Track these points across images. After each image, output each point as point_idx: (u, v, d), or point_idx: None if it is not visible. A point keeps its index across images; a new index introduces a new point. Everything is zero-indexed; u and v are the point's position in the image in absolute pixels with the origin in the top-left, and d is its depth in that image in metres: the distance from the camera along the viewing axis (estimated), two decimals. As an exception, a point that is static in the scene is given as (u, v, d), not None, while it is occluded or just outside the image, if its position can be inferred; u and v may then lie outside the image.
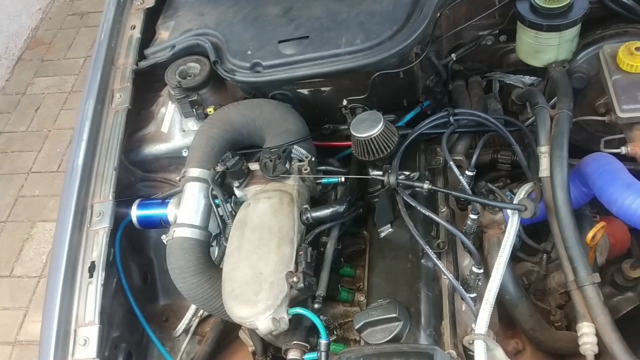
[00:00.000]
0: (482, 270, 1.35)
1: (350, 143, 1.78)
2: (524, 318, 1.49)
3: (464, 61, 1.93)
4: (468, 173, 1.53)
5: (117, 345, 1.67)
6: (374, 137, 1.48)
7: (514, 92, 1.83)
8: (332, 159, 1.76)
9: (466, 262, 1.47)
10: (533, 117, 1.65)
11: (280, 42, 1.73)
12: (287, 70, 1.69)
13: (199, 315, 1.81)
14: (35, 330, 3.03)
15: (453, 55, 1.85)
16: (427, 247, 1.32)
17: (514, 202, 1.45)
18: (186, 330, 1.80)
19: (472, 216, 1.45)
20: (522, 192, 1.48)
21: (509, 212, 1.50)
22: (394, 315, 1.23)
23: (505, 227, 1.51)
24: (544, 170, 1.45)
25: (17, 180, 3.75)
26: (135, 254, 1.87)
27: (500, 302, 1.47)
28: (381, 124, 1.48)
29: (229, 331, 1.83)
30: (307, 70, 1.67)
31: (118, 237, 1.70)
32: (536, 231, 1.67)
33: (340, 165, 1.73)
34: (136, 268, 1.86)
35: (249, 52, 1.74)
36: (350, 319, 1.56)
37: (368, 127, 1.49)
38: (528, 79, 1.92)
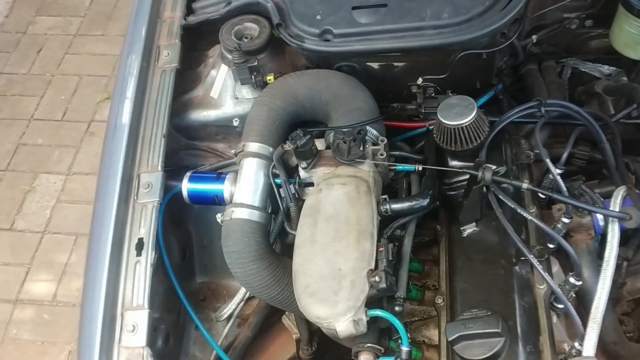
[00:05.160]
0: (580, 282, 1.24)
1: (420, 125, 1.66)
2: (608, 331, 1.39)
3: (540, 43, 1.79)
4: (556, 171, 1.41)
5: (156, 327, 1.54)
6: (466, 126, 1.35)
7: (599, 84, 1.71)
8: (402, 143, 1.62)
9: (554, 269, 1.36)
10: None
11: (354, 8, 1.56)
12: (363, 42, 1.53)
13: (245, 299, 1.68)
14: (38, 290, 2.90)
15: (534, 37, 1.72)
16: (531, 255, 1.21)
17: (611, 209, 1.34)
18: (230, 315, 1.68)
19: (565, 220, 1.34)
20: (618, 197, 1.36)
21: (600, 217, 1.40)
22: (497, 330, 1.13)
23: (594, 231, 1.42)
24: (649, 176, 1.33)
25: (18, 127, 3.52)
26: (175, 227, 1.72)
27: (584, 311, 1.37)
28: (474, 111, 1.34)
29: (270, 314, 1.73)
30: (385, 43, 1.51)
31: (162, 210, 1.55)
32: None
33: (412, 151, 1.59)
34: (176, 243, 1.72)
35: (318, 17, 1.57)
36: (417, 318, 1.46)
37: (459, 115, 1.35)
38: (607, 69, 1.79)
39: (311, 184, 1.45)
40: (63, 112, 3.57)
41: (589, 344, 1.14)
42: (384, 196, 1.38)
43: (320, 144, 1.49)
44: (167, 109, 1.59)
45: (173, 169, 1.63)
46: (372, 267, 1.24)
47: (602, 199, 1.40)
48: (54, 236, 3.09)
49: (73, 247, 3.05)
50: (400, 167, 1.46)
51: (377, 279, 1.21)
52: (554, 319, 1.28)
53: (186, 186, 1.53)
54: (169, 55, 1.68)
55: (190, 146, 1.75)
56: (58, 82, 3.72)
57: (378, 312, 1.22)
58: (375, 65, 1.62)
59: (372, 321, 1.26)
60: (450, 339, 1.17)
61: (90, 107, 3.59)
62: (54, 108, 3.59)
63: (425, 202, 1.37)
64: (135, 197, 1.48)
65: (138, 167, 1.52)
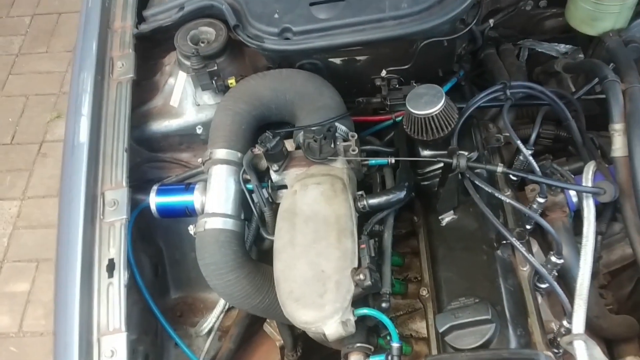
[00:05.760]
0: (562, 261, 1.25)
1: (386, 117, 1.65)
2: (590, 306, 1.39)
3: (496, 27, 1.80)
4: (527, 152, 1.41)
5: (135, 349, 1.48)
6: (436, 115, 1.34)
7: (558, 63, 1.73)
8: (371, 137, 1.61)
9: (534, 250, 1.36)
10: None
11: (311, 4, 1.54)
12: (324, 37, 1.50)
13: (224, 310, 1.64)
14: (2, 322, 2.77)
15: (491, 21, 1.72)
16: (513, 238, 1.20)
17: (583, 184, 1.35)
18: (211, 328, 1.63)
19: (540, 200, 1.34)
20: (589, 173, 1.37)
21: (572, 193, 1.41)
22: (487, 317, 1.12)
23: (568, 209, 1.43)
24: (617, 150, 1.34)
25: (-36, 154, 3.37)
26: (145, 244, 1.66)
27: (566, 288, 1.38)
28: (443, 99, 1.34)
29: (251, 324, 1.69)
30: (346, 37, 1.49)
31: (130, 227, 1.49)
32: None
33: (381, 144, 1.57)
34: (147, 260, 1.66)
35: (276, 16, 1.54)
36: (402, 312, 1.44)
37: (428, 104, 1.34)
38: (563, 48, 1.82)
39: (284, 187, 1.42)
40: (12, 135, 3.42)
41: (578, 321, 1.14)
42: (359, 192, 1.35)
43: (289, 145, 1.46)
44: (126, 122, 1.53)
45: (138, 183, 1.57)
46: (356, 265, 1.22)
47: (573, 176, 1.42)
48: (14, 264, 2.97)
49: (35, 274, 2.93)
50: (373, 161, 1.45)
51: (361, 277, 1.19)
52: (539, 299, 1.28)
53: (154, 200, 1.47)
54: (123, 66, 1.62)
55: (153, 158, 1.69)
56: (4, 104, 3.57)
57: (365, 311, 1.20)
58: (337, 60, 1.59)
59: (360, 320, 1.23)
60: (441, 331, 1.15)
61: (40, 127, 3.46)
62: (2, 131, 3.44)
63: (402, 194, 1.35)
64: (102, 217, 1.42)
65: (101, 185, 1.46)
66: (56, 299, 1.36)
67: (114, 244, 1.38)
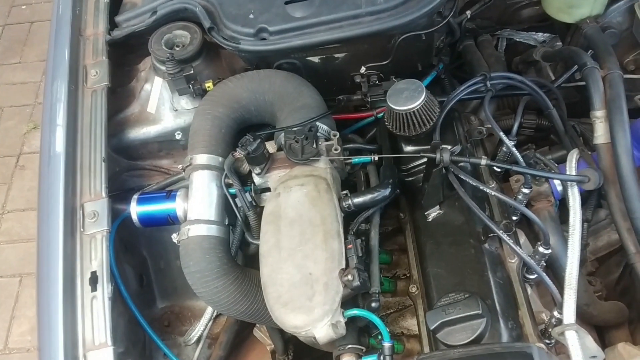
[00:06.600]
0: (550, 251, 1.24)
1: (368, 114, 1.63)
2: (579, 294, 1.39)
3: (473, 18, 1.79)
4: (510, 143, 1.41)
5: (122, 363, 1.45)
6: (417, 110, 1.32)
7: (537, 51, 1.73)
8: (353, 135, 1.59)
9: (521, 241, 1.36)
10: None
11: (287, 3, 1.51)
12: (301, 36, 1.48)
13: (213, 318, 1.61)
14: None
15: (468, 12, 1.71)
16: (500, 230, 1.19)
17: (567, 173, 1.35)
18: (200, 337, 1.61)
19: (525, 190, 1.33)
20: (572, 161, 1.37)
21: (557, 182, 1.41)
22: (477, 312, 1.10)
23: (553, 198, 1.43)
24: (600, 137, 1.35)
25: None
26: (128, 254, 1.63)
27: (555, 278, 1.38)
28: (424, 94, 1.32)
29: (241, 330, 1.66)
30: (323, 35, 1.47)
31: (111, 238, 1.46)
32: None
33: (364, 141, 1.56)
34: (131, 270, 1.63)
35: (251, 16, 1.52)
36: (392, 310, 1.43)
37: (409, 99, 1.33)
38: (541, 36, 1.82)
39: (268, 190, 1.40)
40: (-15, 150, 3.36)
41: (569, 311, 1.13)
42: (344, 191, 1.34)
43: (271, 147, 1.44)
44: (103, 131, 1.50)
45: (118, 193, 1.54)
46: (343, 266, 1.20)
47: (556, 165, 1.41)
48: (-4, 281, 2.91)
49: (19, 289, 2.87)
50: (357, 159, 1.43)
51: (350, 277, 1.17)
52: (528, 290, 1.28)
53: (135, 210, 1.44)
54: (97, 74, 1.58)
55: (132, 167, 1.66)
56: (-23, 117, 3.50)
57: (355, 312, 1.19)
58: (315, 59, 1.57)
59: (350, 321, 1.21)
60: (432, 328, 1.14)
61: (17, 139, 3.40)
62: (-24, 145, 3.38)
63: (387, 191, 1.34)
64: (82, 229, 1.38)
65: (80, 197, 1.42)
66: (39, 315, 1.32)
67: (96, 256, 1.35)
